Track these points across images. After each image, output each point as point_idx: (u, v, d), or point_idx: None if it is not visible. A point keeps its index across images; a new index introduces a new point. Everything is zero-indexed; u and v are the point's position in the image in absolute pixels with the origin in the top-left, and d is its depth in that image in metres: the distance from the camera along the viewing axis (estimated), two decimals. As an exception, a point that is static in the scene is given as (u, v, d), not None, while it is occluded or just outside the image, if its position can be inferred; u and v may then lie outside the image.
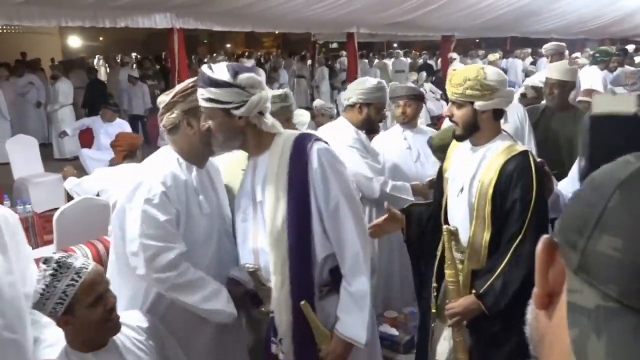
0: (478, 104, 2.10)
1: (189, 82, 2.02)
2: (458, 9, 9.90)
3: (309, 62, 16.14)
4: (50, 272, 1.59)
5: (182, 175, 1.98)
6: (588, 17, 12.95)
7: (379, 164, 3.17)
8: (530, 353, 0.62)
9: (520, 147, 2.20)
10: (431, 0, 9.11)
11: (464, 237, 2.18)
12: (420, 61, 15.36)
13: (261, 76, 1.98)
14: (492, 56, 11.85)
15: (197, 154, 2.03)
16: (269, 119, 1.88)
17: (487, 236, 2.12)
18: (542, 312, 0.58)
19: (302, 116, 3.81)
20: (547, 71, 3.79)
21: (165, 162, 2.02)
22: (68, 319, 1.60)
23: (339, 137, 3.00)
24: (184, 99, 1.97)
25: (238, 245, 2.01)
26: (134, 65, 13.08)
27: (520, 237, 2.04)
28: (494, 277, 2.07)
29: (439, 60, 14.02)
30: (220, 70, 1.83)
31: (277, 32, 22.53)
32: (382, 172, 3.18)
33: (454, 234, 2.15)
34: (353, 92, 3.14)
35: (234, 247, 2.08)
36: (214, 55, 18.53)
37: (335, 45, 25.77)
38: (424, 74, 11.62)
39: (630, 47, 10.58)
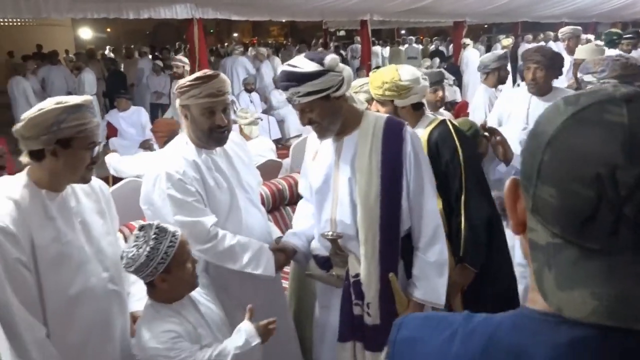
0: (397, 102, 2.42)
1: (189, 79, 2.15)
2: (470, -6, 9.99)
3: (320, 49, 16.18)
4: (153, 236, 1.79)
5: (191, 157, 2.15)
6: (599, 0, 12.94)
7: None
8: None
9: (439, 118, 2.52)
10: (444, -14, 9.21)
11: None
12: (432, 47, 15.36)
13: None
14: (506, 41, 11.90)
15: (200, 140, 2.18)
16: (349, 77, 1.99)
17: (440, 204, 2.33)
18: (522, 237, 0.69)
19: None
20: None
21: (177, 149, 2.21)
22: (165, 276, 1.80)
23: None
24: (181, 95, 2.14)
25: (314, 214, 2.19)
26: (149, 56, 13.20)
27: (463, 196, 2.32)
28: (462, 240, 2.33)
29: (451, 46, 14.04)
30: (303, 63, 1.92)
31: (284, 20, 22.65)
32: None
33: None
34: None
35: (260, 213, 2.34)
36: (225, 44, 18.63)
37: (343, 32, 25.73)
38: (437, 60, 11.69)
39: (643, 30, 10.56)
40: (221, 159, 2.25)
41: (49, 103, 1.76)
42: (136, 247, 1.79)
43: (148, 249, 1.77)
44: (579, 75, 2.34)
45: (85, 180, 1.85)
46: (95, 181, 1.99)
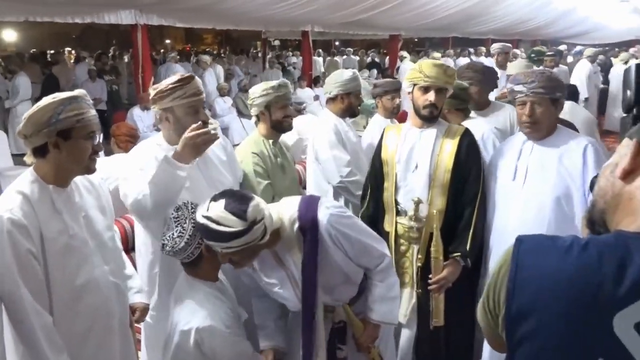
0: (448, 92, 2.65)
1: (168, 82, 2.25)
2: (407, 10, 10.46)
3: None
4: (192, 210, 1.96)
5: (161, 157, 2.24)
6: (523, 19, 13.91)
7: (347, 156, 3.32)
8: None
9: (461, 127, 2.73)
10: (383, 1, 9.61)
11: (422, 207, 2.53)
12: (369, 59, 15.88)
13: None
14: (434, 54, 12.58)
15: (177, 141, 2.25)
16: (269, 220, 1.92)
17: (443, 202, 2.55)
18: (619, 181, 0.93)
19: None
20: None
21: (147, 150, 2.32)
22: (209, 247, 1.94)
23: (319, 128, 3.40)
24: (162, 99, 2.23)
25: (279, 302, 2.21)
26: (85, 60, 12.82)
27: (479, 196, 2.55)
28: (470, 237, 2.51)
29: (387, 58, 14.58)
30: (226, 219, 1.81)
31: (217, 28, 22.59)
32: (349, 164, 3.32)
33: (417, 205, 2.51)
34: (332, 86, 3.44)
35: None
36: (161, 51, 18.34)
37: (277, 42, 25.89)
38: (375, 71, 12.14)
39: (562, 47, 11.52)
40: (196, 160, 2.33)
41: (45, 100, 1.83)
42: (179, 224, 1.94)
43: (192, 221, 1.93)
44: (509, 85, 2.55)
45: (90, 170, 1.92)
46: (96, 179, 2.07)
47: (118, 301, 2.04)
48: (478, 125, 3.05)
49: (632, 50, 11.31)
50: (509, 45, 7.20)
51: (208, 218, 1.82)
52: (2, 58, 10.93)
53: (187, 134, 2.17)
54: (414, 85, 2.61)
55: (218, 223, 1.81)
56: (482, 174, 2.58)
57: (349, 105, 3.44)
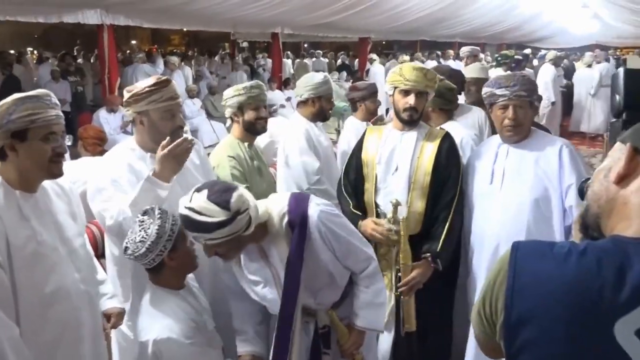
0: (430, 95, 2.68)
1: (144, 85, 2.17)
2: (377, 13, 10.53)
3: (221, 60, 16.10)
4: (158, 216, 1.90)
5: (133, 163, 2.20)
6: (489, 23, 14.19)
7: (317, 162, 3.27)
8: None
9: (442, 130, 2.74)
10: (353, 4, 9.65)
11: (401, 209, 2.54)
12: (340, 61, 15.91)
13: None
14: (403, 57, 12.71)
15: (151, 146, 2.22)
16: (255, 211, 1.88)
17: (423, 204, 2.57)
18: (613, 186, 0.93)
19: None
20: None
21: (119, 155, 2.25)
22: (172, 254, 1.91)
23: (290, 132, 3.34)
24: (137, 102, 2.16)
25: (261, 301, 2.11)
26: (48, 60, 12.45)
27: (456, 199, 2.56)
28: (442, 238, 2.50)
29: (356, 60, 14.65)
30: (209, 209, 1.77)
31: (185, 29, 22.31)
32: (319, 171, 3.28)
33: (396, 207, 2.50)
34: (303, 89, 3.40)
35: None
36: (127, 52, 17.98)
37: (245, 44, 25.73)
38: (345, 73, 12.17)
39: (527, 51, 11.78)
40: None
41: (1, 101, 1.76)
42: (143, 229, 1.87)
43: (156, 227, 1.88)
44: (487, 89, 2.52)
45: (54, 174, 1.83)
46: (67, 183, 1.99)
47: (89, 310, 1.96)
48: (456, 129, 3.06)
49: (589, 53, 11.62)
50: (478, 48, 7.31)
51: (191, 209, 1.77)
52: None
53: (163, 150, 2.08)
54: (395, 88, 2.61)
55: (201, 214, 1.76)
56: (460, 178, 2.60)
57: (320, 109, 3.40)
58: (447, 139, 2.63)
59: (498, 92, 2.45)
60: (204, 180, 2.39)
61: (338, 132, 7.63)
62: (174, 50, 22.45)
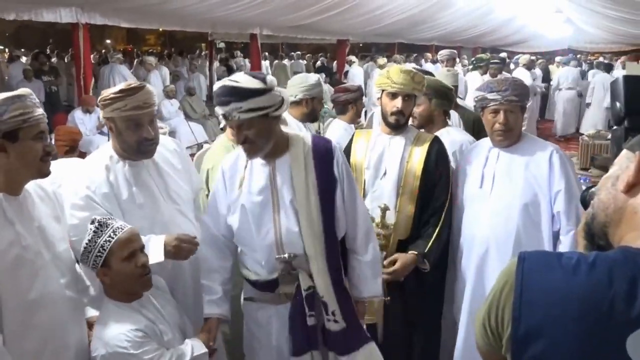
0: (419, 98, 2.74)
1: (111, 91, 2.10)
2: (356, 15, 10.58)
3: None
4: (93, 229, 1.84)
5: (107, 172, 2.13)
6: (464, 27, 14.37)
7: None
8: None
9: (430, 134, 2.75)
10: (332, 6, 9.66)
11: (389, 214, 2.53)
12: (319, 63, 15.92)
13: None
14: (382, 60, 12.76)
15: (127, 152, 2.16)
16: (286, 97, 2.02)
17: (412, 209, 2.56)
18: (622, 194, 0.92)
19: None
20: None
21: (93, 163, 2.19)
22: (105, 270, 1.83)
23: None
24: (104, 107, 2.09)
25: (252, 228, 2.12)
26: (20, 59, 12.19)
27: (447, 204, 2.57)
28: (433, 238, 2.52)
29: (334, 62, 14.68)
30: (246, 79, 1.92)
31: (161, 29, 22.08)
32: None
33: (384, 211, 2.53)
34: (297, 89, 3.42)
35: (191, 223, 2.29)
36: (103, 51, 17.73)
37: (222, 44, 25.58)
38: (323, 75, 12.16)
39: (503, 55, 11.95)
40: (147, 170, 2.21)
41: None
42: (83, 238, 1.86)
43: (87, 241, 1.84)
44: (479, 93, 2.51)
45: (44, 173, 1.80)
46: (50, 187, 1.94)
47: (74, 316, 1.91)
48: (454, 134, 3.03)
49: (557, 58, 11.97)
50: (455, 51, 7.38)
51: (230, 80, 1.95)
52: None
53: (170, 244, 2.07)
54: (382, 91, 2.60)
55: (238, 82, 1.91)
56: (450, 182, 2.60)
57: (312, 110, 3.45)
58: (436, 143, 2.62)
59: (489, 96, 2.42)
60: (187, 185, 2.36)
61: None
62: (150, 50, 22.22)
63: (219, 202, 2.19)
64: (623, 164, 0.94)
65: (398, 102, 2.55)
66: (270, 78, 1.97)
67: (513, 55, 13.51)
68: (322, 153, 2.11)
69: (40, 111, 1.76)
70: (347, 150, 2.72)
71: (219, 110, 2.00)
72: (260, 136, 1.98)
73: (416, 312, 2.61)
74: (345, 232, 2.19)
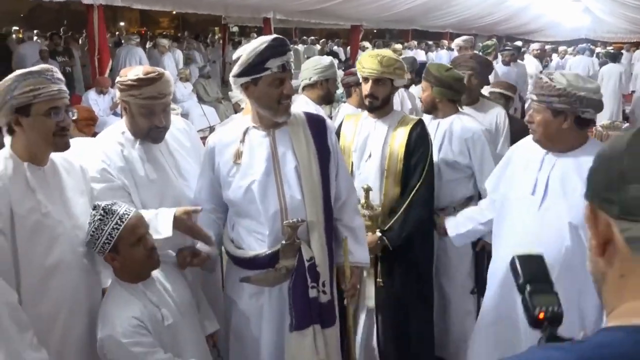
0: (396, 82, 2.66)
1: (129, 77, 2.10)
2: (370, 1, 10.51)
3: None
4: (99, 217, 1.86)
5: (123, 148, 2.18)
6: (479, 15, 14.21)
7: None
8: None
9: (414, 117, 2.79)
10: (347, -9, 9.62)
11: (375, 195, 2.61)
12: (334, 48, 15.87)
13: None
14: (394, 46, 12.71)
15: (137, 135, 2.21)
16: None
17: (397, 191, 2.63)
18: (600, 259, 0.75)
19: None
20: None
21: (110, 138, 2.23)
22: (113, 255, 1.88)
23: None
24: (121, 90, 2.14)
25: (257, 197, 2.13)
26: (35, 39, 12.25)
27: (416, 188, 2.61)
28: (394, 218, 2.60)
29: (348, 48, 14.61)
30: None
31: (174, 12, 22.05)
32: None
33: (367, 192, 2.60)
34: (311, 72, 3.48)
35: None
36: (116, 33, 17.77)
37: (236, 28, 25.49)
38: (336, 61, 12.12)
39: (518, 44, 11.84)
40: (158, 148, 2.26)
41: (5, 79, 1.79)
42: (89, 224, 1.88)
43: (93, 229, 1.86)
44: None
45: (60, 147, 1.86)
46: (78, 162, 2.02)
47: (89, 284, 1.98)
48: (465, 121, 3.00)
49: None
50: (472, 38, 7.30)
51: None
52: None
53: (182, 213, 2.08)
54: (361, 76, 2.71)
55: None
56: (427, 165, 2.62)
57: (327, 92, 3.51)
58: (417, 126, 2.66)
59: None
60: (195, 163, 2.40)
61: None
62: (163, 33, 22.22)
63: (210, 173, 2.22)
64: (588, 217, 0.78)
65: (367, 86, 2.64)
66: None
67: (528, 44, 13.38)
68: (317, 125, 2.22)
69: (55, 87, 1.80)
70: (337, 133, 2.74)
71: (277, 62, 2.02)
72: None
73: (411, 299, 2.68)
74: (336, 200, 2.26)
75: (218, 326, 2.22)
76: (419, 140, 2.62)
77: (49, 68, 1.84)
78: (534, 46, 9.96)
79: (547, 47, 11.60)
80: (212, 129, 8.26)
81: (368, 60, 2.62)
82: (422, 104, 3.16)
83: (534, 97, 2.13)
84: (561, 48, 13.43)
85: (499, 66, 7.79)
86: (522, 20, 16.43)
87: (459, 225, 2.69)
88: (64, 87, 1.86)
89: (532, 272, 0.92)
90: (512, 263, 0.95)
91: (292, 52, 2.11)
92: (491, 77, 6.66)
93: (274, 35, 2.10)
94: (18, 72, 1.78)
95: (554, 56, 12.21)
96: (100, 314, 1.89)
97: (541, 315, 0.86)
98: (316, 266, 2.12)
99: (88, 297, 1.97)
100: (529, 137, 2.28)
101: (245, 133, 2.17)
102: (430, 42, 15.06)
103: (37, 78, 1.77)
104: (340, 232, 2.28)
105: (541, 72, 2.29)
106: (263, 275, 2.14)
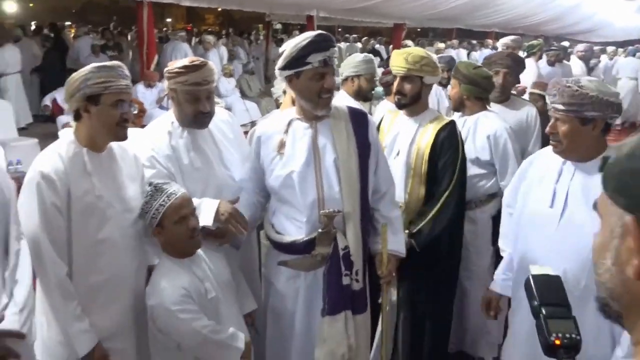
0: (426, 79, 2.65)
1: (177, 65, 2.28)
2: (413, -1, 10.45)
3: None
4: (150, 193, 2.06)
5: (170, 136, 2.32)
6: (527, 14, 13.89)
7: None
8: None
9: (447, 118, 2.77)
10: (391, -11, 9.59)
11: (399, 194, 2.60)
12: (376, 46, 15.83)
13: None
14: (437, 45, 12.59)
15: (184, 122, 2.33)
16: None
17: (422, 191, 2.65)
18: (633, 280, 0.64)
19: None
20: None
21: (159, 128, 2.37)
22: (159, 230, 2.05)
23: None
24: (168, 79, 2.29)
25: (296, 186, 2.22)
26: (89, 34, 12.69)
27: (448, 192, 2.60)
28: (424, 222, 2.61)
29: (390, 46, 14.55)
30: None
31: (219, 9, 22.36)
32: None
33: None
34: (344, 68, 3.57)
35: (240, 187, 2.42)
36: (164, 29, 18.20)
37: (279, 26, 25.67)
38: (377, 59, 12.10)
39: (565, 44, 11.55)
40: (203, 138, 2.39)
41: (82, 69, 1.98)
42: (144, 199, 2.08)
43: (144, 203, 2.06)
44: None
45: (119, 137, 2.03)
46: (132, 150, 2.18)
47: (135, 263, 2.13)
48: (490, 119, 3.03)
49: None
50: (520, 38, 7.14)
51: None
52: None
53: (226, 210, 2.19)
54: None
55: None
56: (456, 171, 2.60)
57: (359, 88, 3.54)
58: (448, 127, 2.65)
59: (547, 100, 2.13)
60: (237, 153, 2.52)
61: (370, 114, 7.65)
62: (209, 30, 22.64)
63: (255, 161, 2.36)
64: (614, 226, 0.69)
65: (396, 84, 2.68)
66: None
67: (575, 45, 13.05)
68: (359, 119, 2.29)
69: (124, 82, 1.99)
70: (377, 128, 2.82)
71: (318, 57, 2.10)
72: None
73: (428, 296, 2.70)
74: (374, 192, 2.33)
75: (256, 305, 2.32)
76: (446, 142, 2.61)
77: (120, 64, 2.02)
78: (579, 47, 9.69)
79: (596, 48, 11.24)
80: (253, 124, 8.41)
81: (396, 58, 2.67)
82: (451, 100, 3.20)
83: (561, 107, 1.99)
84: (610, 49, 12.99)
85: (543, 66, 7.64)
86: (571, 20, 15.98)
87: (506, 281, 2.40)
88: (130, 83, 2.03)
89: (548, 294, 0.87)
90: (527, 283, 0.90)
91: (335, 48, 2.16)
92: (535, 77, 6.58)
93: (319, 31, 2.18)
94: (94, 64, 1.96)
95: (603, 57, 11.84)
96: (150, 285, 2.05)
97: (557, 342, 0.81)
98: (350, 255, 2.22)
99: (134, 274, 2.12)
100: (542, 151, 2.25)
101: (289, 124, 2.28)
102: (474, 42, 14.80)
103: (109, 72, 1.95)
104: (378, 221, 2.35)
105: (568, 80, 1.94)
106: (300, 261, 2.26)
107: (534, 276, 0.89)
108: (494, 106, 3.24)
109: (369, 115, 2.37)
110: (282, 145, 2.27)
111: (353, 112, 2.33)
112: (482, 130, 2.96)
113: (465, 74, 3.02)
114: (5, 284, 1.72)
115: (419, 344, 2.76)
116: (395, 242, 2.35)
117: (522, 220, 2.21)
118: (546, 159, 2.18)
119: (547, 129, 2.07)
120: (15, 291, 1.73)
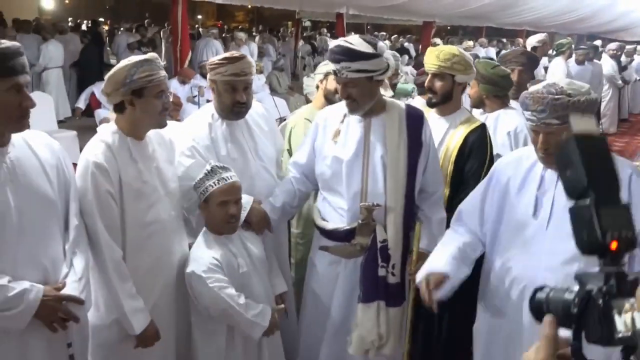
0: (458, 78, 2.64)
1: (217, 57, 2.46)
2: (445, -3, 10.44)
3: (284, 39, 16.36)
4: (205, 172, 2.23)
5: (210, 128, 2.48)
6: (559, 12, 13.68)
7: None
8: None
9: (479, 121, 2.74)
10: (421, -13, 9.61)
11: None
12: (405, 44, 15.83)
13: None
14: (466, 43, 12.54)
15: (223, 112, 2.49)
16: (392, 63, 2.30)
17: (447, 192, 2.61)
18: None
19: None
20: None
21: (199, 120, 2.54)
22: (205, 206, 2.25)
23: None
24: (210, 71, 2.44)
25: (343, 175, 2.34)
26: (124, 30, 13.05)
27: None
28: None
29: (420, 45, 14.53)
30: (359, 42, 2.20)
31: (249, 6, 22.64)
32: None
33: None
34: None
35: (273, 179, 2.59)
36: (196, 26, 18.51)
37: (308, 23, 25.76)
38: (406, 57, 12.11)
39: (597, 43, 11.39)
40: (240, 130, 2.55)
41: (122, 62, 2.10)
42: (189, 179, 2.30)
43: (199, 178, 2.23)
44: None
45: (161, 125, 2.18)
46: (167, 134, 2.32)
47: (179, 241, 2.30)
48: (511, 116, 3.06)
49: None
50: (546, 37, 7.11)
51: (345, 40, 2.22)
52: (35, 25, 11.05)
53: (259, 214, 2.42)
54: None
55: (351, 44, 2.18)
56: (481, 178, 2.36)
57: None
58: (478, 130, 2.63)
59: (526, 115, 1.96)
60: (272, 145, 2.68)
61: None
62: (239, 27, 22.92)
63: (310, 146, 2.48)
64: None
65: (428, 81, 2.70)
66: (381, 44, 2.25)
67: (607, 43, 12.83)
68: (415, 119, 2.35)
69: (163, 73, 2.13)
70: None
71: (330, 67, 2.25)
72: (363, 95, 2.26)
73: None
74: (421, 191, 2.39)
75: (287, 288, 2.47)
76: (474, 146, 2.59)
77: (156, 56, 2.16)
78: (611, 46, 9.57)
79: (628, 47, 11.04)
80: (282, 120, 8.56)
81: (428, 55, 2.70)
82: (470, 99, 3.26)
83: (556, 122, 1.82)
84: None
85: (572, 65, 7.59)
86: (607, 17, 15.66)
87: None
88: (165, 74, 2.17)
89: (598, 173, 0.63)
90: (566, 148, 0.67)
91: (349, 64, 2.17)
92: (563, 76, 6.55)
93: (337, 43, 2.26)
94: (134, 59, 2.09)
95: (637, 57, 11.63)
96: (189, 255, 2.24)
97: (614, 245, 0.60)
98: (388, 248, 2.32)
99: (177, 252, 2.28)
100: (503, 160, 2.17)
101: (345, 115, 2.39)
102: (505, 40, 14.68)
103: (150, 65, 2.08)
104: (419, 219, 2.41)
105: (543, 91, 1.71)
106: (340, 248, 2.38)
107: (577, 137, 0.66)
108: (513, 104, 3.21)
109: (425, 117, 2.42)
110: (337, 133, 2.39)
111: (409, 111, 2.39)
112: (503, 127, 3.00)
113: (483, 74, 3.05)
114: (66, 256, 1.89)
115: (438, 339, 2.81)
116: (429, 242, 2.34)
117: (500, 231, 2.05)
118: (518, 167, 2.04)
119: (540, 145, 1.89)
120: (75, 262, 1.88)
